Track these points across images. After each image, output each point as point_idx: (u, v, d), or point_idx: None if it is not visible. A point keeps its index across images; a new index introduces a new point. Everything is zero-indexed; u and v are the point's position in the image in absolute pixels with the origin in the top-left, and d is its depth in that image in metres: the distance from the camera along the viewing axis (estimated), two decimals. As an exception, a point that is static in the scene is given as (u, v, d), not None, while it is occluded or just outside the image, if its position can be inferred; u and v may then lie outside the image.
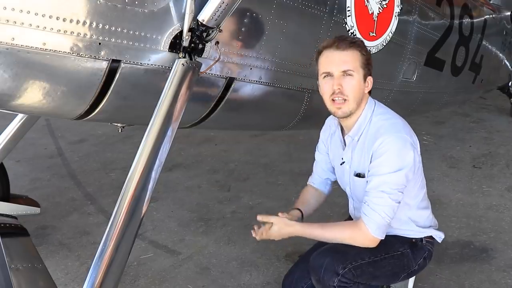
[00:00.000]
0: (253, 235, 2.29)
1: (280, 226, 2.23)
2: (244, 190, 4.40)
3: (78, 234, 3.67)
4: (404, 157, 2.09)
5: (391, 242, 2.25)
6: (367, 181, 2.17)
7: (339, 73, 2.15)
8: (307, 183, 2.65)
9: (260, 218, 2.27)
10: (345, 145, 2.33)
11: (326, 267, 2.12)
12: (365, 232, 2.10)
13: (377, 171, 2.10)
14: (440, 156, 5.20)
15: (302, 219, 2.44)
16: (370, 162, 2.14)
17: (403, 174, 2.08)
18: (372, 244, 2.13)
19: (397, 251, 2.26)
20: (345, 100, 2.16)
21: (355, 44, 2.17)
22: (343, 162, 2.33)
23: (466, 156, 5.26)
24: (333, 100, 2.18)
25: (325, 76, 2.19)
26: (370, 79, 2.22)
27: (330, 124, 2.46)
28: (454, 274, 3.09)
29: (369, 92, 2.26)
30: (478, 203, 4.10)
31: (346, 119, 2.23)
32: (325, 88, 2.20)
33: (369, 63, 2.20)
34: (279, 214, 2.30)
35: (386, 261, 2.22)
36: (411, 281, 2.62)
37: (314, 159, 2.63)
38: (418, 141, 2.22)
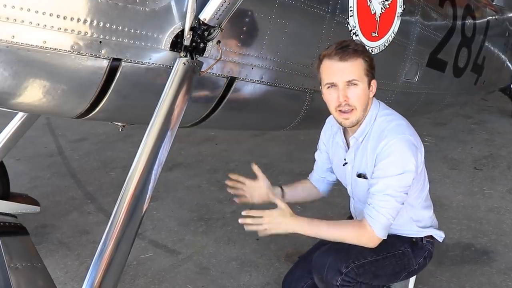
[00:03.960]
0: (248, 227, 2.10)
1: (285, 215, 2.09)
2: (244, 190, 4.39)
3: (78, 233, 3.66)
4: (408, 159, 2.08)
5: (392, 241, 2.25)
6: (369, 183, 2.16)
7: (343, 84, 2.10)
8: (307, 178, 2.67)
9: (252, 213, 2.10)
10: (347, 146, 2.31)
11: (329, 266, 2.12)
12: (371, 233, 2.10)
13: (382, 173, 2.09)
14: (441, 158, 5.19)
15: (282, 196, 2.46)
16: (375, 164, 2.12)
17: (407, 175, 2.08)
18: (375, 244, 2.13)
19: (398, 250, 2.27)
20: (352, 110, 2.13)
21: (357, 52, 2.10)
22: (346, 163, 2.32)
23: (467, 157, 5.25)
24: (340, 111, 2.14)
25: (329, 87, 2.15)
26: (374, 83, 2.19)
27: (332, 124, 2.44)
28: (455, 276, 3.08)
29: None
30: (479, 205, 4.08)
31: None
32: (330, 99, 2.16)
33: (372, 67, 2.15)
34: (254, 166, 2.38)
35: (387, 260, 2.22)
36: (411, 282, 2.61)
37: (314, 159, 2.62)
38: (421, 142, 2.21)
